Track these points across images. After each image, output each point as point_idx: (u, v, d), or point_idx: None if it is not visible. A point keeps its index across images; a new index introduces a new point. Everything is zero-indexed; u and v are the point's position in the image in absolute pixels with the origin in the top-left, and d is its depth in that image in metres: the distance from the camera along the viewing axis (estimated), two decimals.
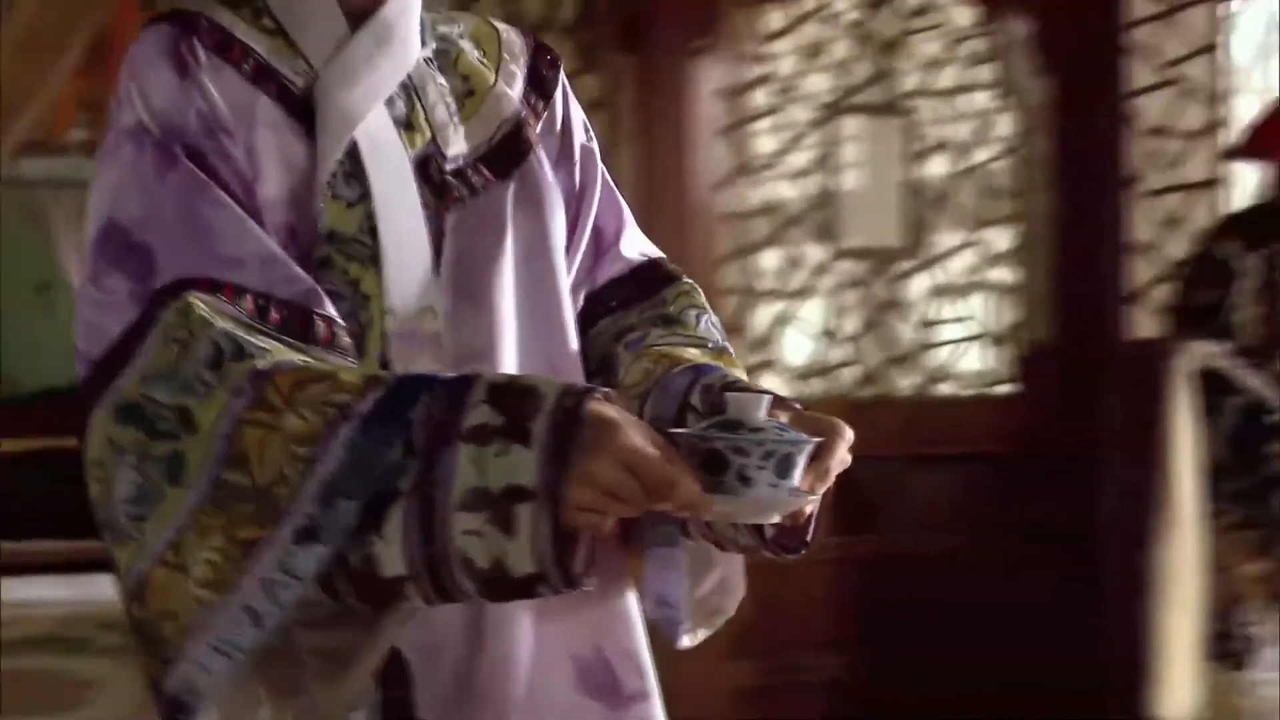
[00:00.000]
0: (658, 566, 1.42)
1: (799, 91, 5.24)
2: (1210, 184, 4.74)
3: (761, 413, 1.26)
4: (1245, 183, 4.42)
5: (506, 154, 1.53)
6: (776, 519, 1.30)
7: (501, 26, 1.59)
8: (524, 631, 1.42)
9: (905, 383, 5.18)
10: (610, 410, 1.24)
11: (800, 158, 5.25)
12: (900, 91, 5.35)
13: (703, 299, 1.58)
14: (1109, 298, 4.84)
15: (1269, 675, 4.08)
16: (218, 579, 1.29)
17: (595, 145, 1.61)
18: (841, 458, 1.31)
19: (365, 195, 1.45)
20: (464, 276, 1.47)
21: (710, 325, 1.55)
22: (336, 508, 1.25)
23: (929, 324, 5.22)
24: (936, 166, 5.46)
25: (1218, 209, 4.76)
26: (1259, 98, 4.78)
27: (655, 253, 1.63)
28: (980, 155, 5.40)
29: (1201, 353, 4.08)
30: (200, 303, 1.33)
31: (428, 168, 1.48)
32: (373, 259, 1.44)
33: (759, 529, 1.37)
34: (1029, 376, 5.11)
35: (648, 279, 1.60)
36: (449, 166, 1.50)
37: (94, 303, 1.39)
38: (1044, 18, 4.97)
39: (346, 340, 1.37)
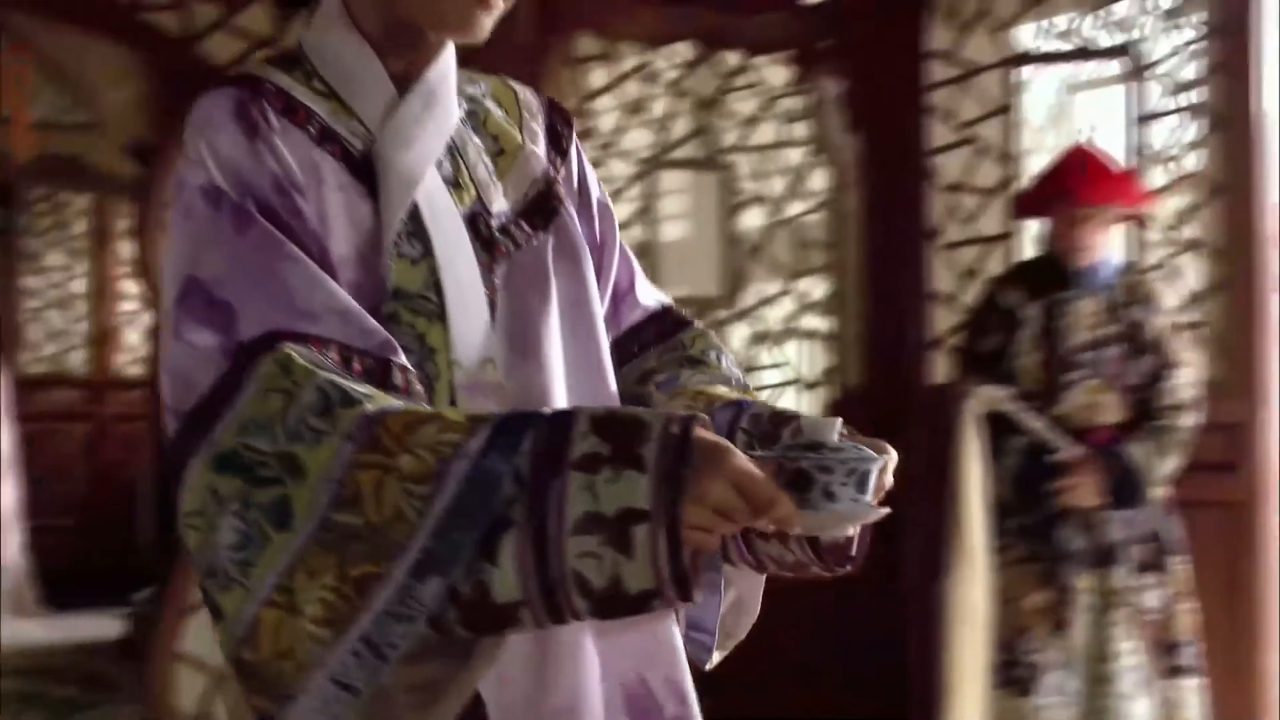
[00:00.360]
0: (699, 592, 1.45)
1: (620, 146, 5.33)
2: (1004, 237, 4.88)
3: (835, 435, 1.32)
4: (1037, 235, 4.54)
5: (541, 210, 1.58)
6: (851, 531, 1.37)
7: (517, 85, 1.65)
8: (584, 662, 1.46)
9: None
10: (714, 436, 1.29)
11: (621, 210, 5.26)
12: (718, 147, 5.48)
13: (717, 340, 1.66)
14: (912, 344, 4.96)
15: (1051, 700, 4.13)
16: (333, 616, 1.30)
17: (608, 199, 1.67)
18: (890, 477, 1.37)
19: (428, 253, 1.49)
20: (517, 328, 1.52)
21: (730, 364, 1.63)
22: (453, 540, 1.28)
23: (747, 370, 5.26)
24: (753, 219, 5.58)
25: (1011, 261, 4.88)
26: (1050, 156, 4.90)
27: (666, 299, 1.70)
28: (795, 208, 5.52)
29: (988, 396, 4.16)
30: (297, 354, 1.35)
31: (476, 225, 1.53)
32: (438, 314, 1.48)
33: (814, 547, 1.43)
34: (841, 420, 5.16)
35: (663, 324, 1.67)
36: (494, 223, 1.54)
37: (180, 357, 1.40)
38: (853, 78, 5.11)
39: (419, 389, 1.40)
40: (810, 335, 5.55)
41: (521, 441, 1.28)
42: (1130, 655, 4.15)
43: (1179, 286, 4.87)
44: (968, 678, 4.06)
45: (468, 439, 1.29)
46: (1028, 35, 5.12)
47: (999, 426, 4.19)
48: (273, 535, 1.32)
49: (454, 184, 1.53)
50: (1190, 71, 4.86)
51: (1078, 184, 4.25)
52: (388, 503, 1.28)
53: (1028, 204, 4.49)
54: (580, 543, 1.25)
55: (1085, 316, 4.23)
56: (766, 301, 5.53)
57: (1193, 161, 4.85)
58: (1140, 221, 4.81)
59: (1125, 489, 4.11)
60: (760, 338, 5.43)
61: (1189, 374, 4.23)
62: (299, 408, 1.33)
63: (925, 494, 4.34)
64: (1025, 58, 5.02)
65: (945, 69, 5.01)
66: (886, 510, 1.33)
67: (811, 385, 5.46)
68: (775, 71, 5.49)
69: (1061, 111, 5.27)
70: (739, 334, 5.44)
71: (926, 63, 5.02)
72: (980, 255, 4.99)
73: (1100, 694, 4.19)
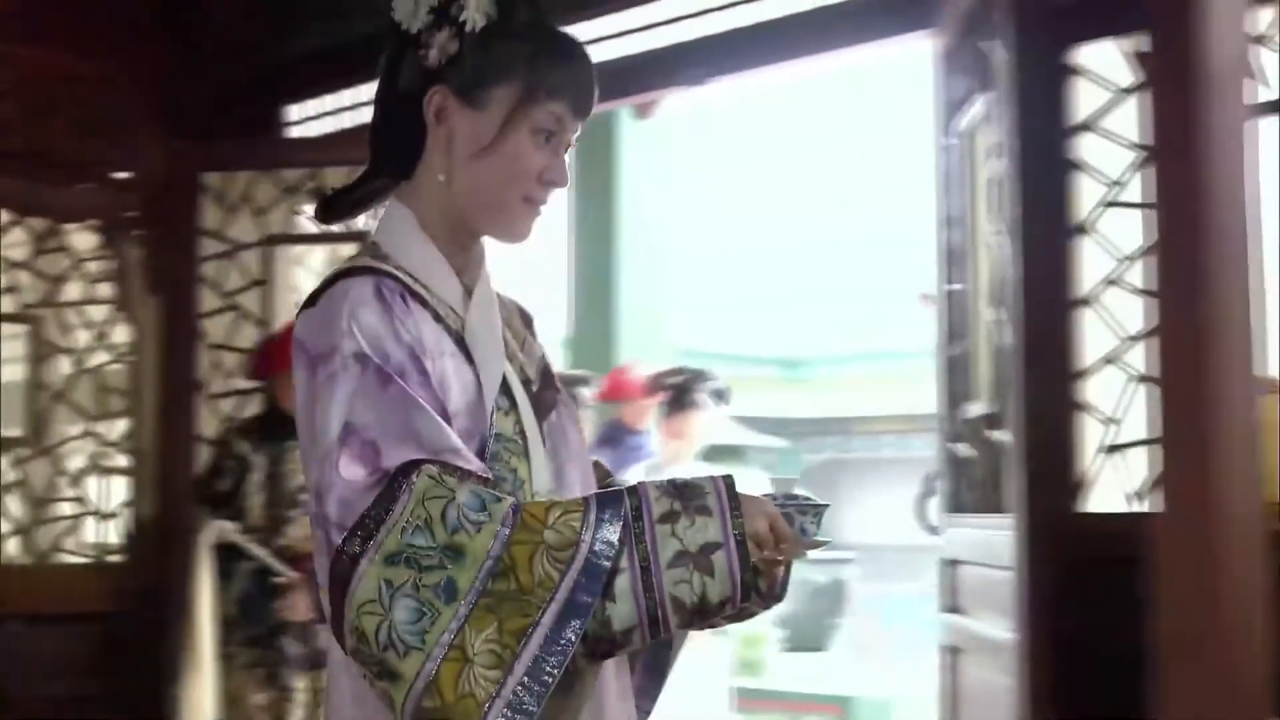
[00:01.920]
0: (649, 676, 1.96)
1: None
2: (260, 390, 5.24)
3: (797, 490, 1.82)
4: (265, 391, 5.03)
5: (551, 380, 1.96)
6: (810, 557, 1.82)
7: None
8: (614, 710, 1.84)
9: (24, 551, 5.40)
10: (745, 488, 1.73)
11: None
12: (27, 302, 5.63)
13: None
14: (183, 482, 5.22)
15: None
16: (499, 661, 1.61)
17: None
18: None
19: (514, 406, 1.85)
20: (559, 466, 1.90)
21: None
22: (586, 589, 1.63)
23: (49, 501, 5.43)
24: (60, 367, 5.73)
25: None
26: None
27: None
28: (98, 358, 5.68)
29: (219, 529, 4.73)
30: (441, 471, 1.67)
31: (527, 388, 1.90)
32: (524, 453, 1.84)
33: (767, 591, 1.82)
34: (136, 548, 5.32)
35: None
36: (534, 388, 1.91)
37: (340, 486, 1.68)
38: (150, 247, 5.51)
39: None
40: (109, 471, 5.71)
41: (620, 511, 1.68)
42: None
43: None
44: None
45: (586, 514, 1.67)
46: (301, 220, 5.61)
47: (229, 554, 4.73)
48: (442, 608, 1.62)
49: (509, 356, 1.90)
50: None
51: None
52: (538, 569, 1.64)
53: (256, 365, 5.07)
54: (674, 574, 1.67)
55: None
56: (66, 441, 5.70)
57: None
58: None
59: None
60: (61, 474, 5.57)
61: None
62: (457, 508, 1.65)
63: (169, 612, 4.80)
64: (277, 238, 5.57)
65: (214, 243, 5.52)
66: (831, 540, 1.83)
67: (107, 516, 5.61)
68: (83, 237, 5.70)
69: None
70: (41, 471, 5.55)
71: (200, 238, 5.52)
72: (239, 405, 5.45)
73: None
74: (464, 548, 1.64)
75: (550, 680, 1.62)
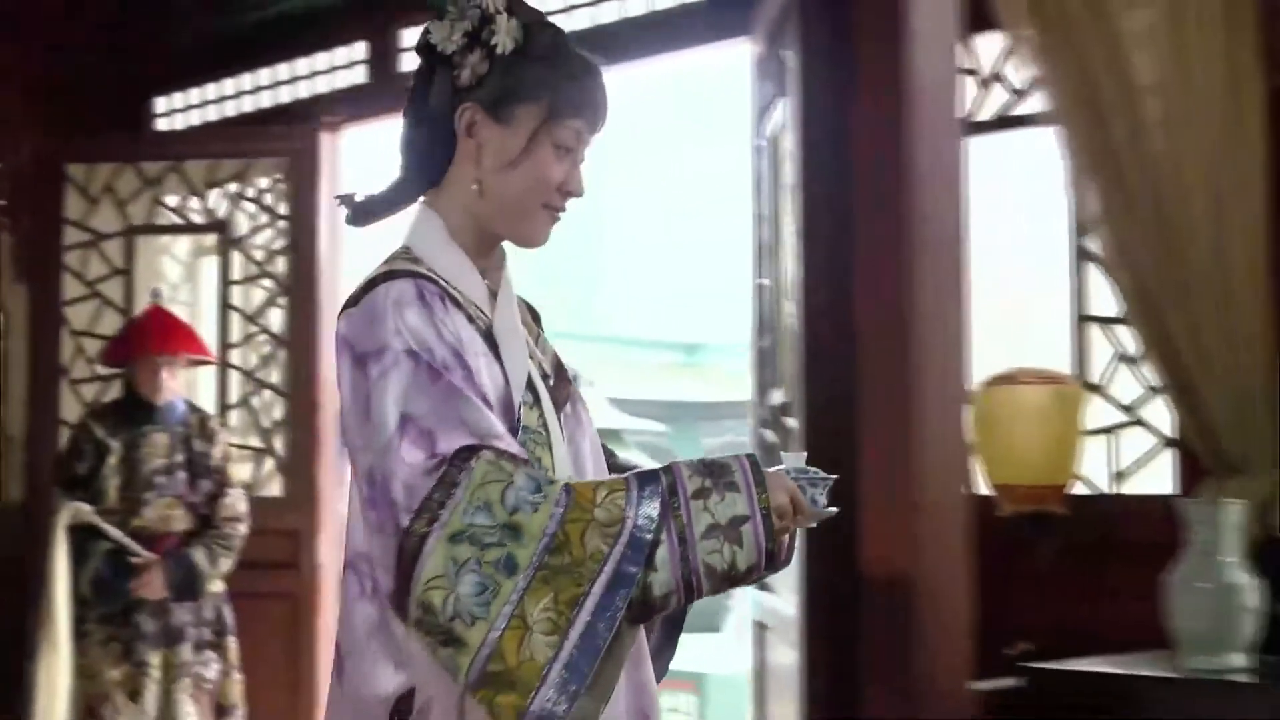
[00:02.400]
0: (666, 638, 2.11)
1: None
2: (120, 376, 5.21)
3: (804, 462, 1.93)
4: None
5: (564, 374, 2.10)
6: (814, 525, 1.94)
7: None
8: (624, 693, 1.95)
9: None
10: (764, 466, 1.86)
11: None
12: None
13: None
14: (45, 466, 5.43)
15: None
16: (556, 628, 1.75)
17: None
18: None
19: (537, 400, 1.98)
20: (576, 454, 2.05)
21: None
22: (631, 560, 1.77)
23: None
24: None
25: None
26: (182, 310, 5.58)
27: None
28: None
29: (75, 510, 4.76)
30: (498, 455, 1.81)
31: (545, 383, 2.03)
32: (548, 444, 1.98)
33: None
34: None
35: None
36: (550, 382, 2.05)
37: (403, 471, 1.81)
38: (21, 235, 5.73)
39: None
40: None
41: (659, 490, 1.82)
42: (191, 716, 4.84)
43: (260, 420, 5.67)
44: None
45: (629, 493, 1.81)
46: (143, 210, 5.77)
47: (85, 535, 4.77)
48: (503, 582, 1.76)
49: (529, 354, 2.03)
50: (266, 248, 5.68)
51: (151, 336, 4.96)
52: (589, 543, 1.78)
53: (113, 352, 5.12)
54: (707, 545, 1.81)
55: (160, 447, 4.91)
56: None
57: (271, 319, 5.64)
58: (225, 367, 5.61)
59: (188, 584, 4.80)
60: None
61: (240, 494, 5.00)
62: (515, 490, 1.79)
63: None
64: (137, 229, 5.74)
65: (78, 234, 5.68)
66: (838, 509, 1.95)
67: None
68: None
69: (192, 272, 5.95)
70: None
71: (64, 228, 5.67)
72: (101, 390, 5.60)
73: None
74: (522, 526, 1.78)
75: (602, 644, 1.76)
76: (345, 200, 2.06)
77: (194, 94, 6.10)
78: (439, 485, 1.80)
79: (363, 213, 2.08)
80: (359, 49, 5.55)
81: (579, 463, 2.05)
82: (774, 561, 1.86)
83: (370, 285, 1.93)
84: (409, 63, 5.41)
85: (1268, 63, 3.32)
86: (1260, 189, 3.30)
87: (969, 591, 2.47)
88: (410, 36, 5.41)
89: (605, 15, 4.75)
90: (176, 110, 6.15)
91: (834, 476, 1.95)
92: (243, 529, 4.97)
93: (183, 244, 5.98)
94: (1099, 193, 3.04)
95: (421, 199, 2.05)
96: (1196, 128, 3.18)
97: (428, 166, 2.03)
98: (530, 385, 1.99)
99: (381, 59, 5.47)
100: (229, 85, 6.00)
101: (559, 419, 2.03)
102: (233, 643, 5.00)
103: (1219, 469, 3.16)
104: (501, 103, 1.97)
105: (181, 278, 5.97)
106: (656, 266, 16.69)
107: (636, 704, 2.02)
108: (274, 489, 5.63)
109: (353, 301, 1.95)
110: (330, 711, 2.04)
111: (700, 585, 1.82)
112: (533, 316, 2.14)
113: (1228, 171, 3.25)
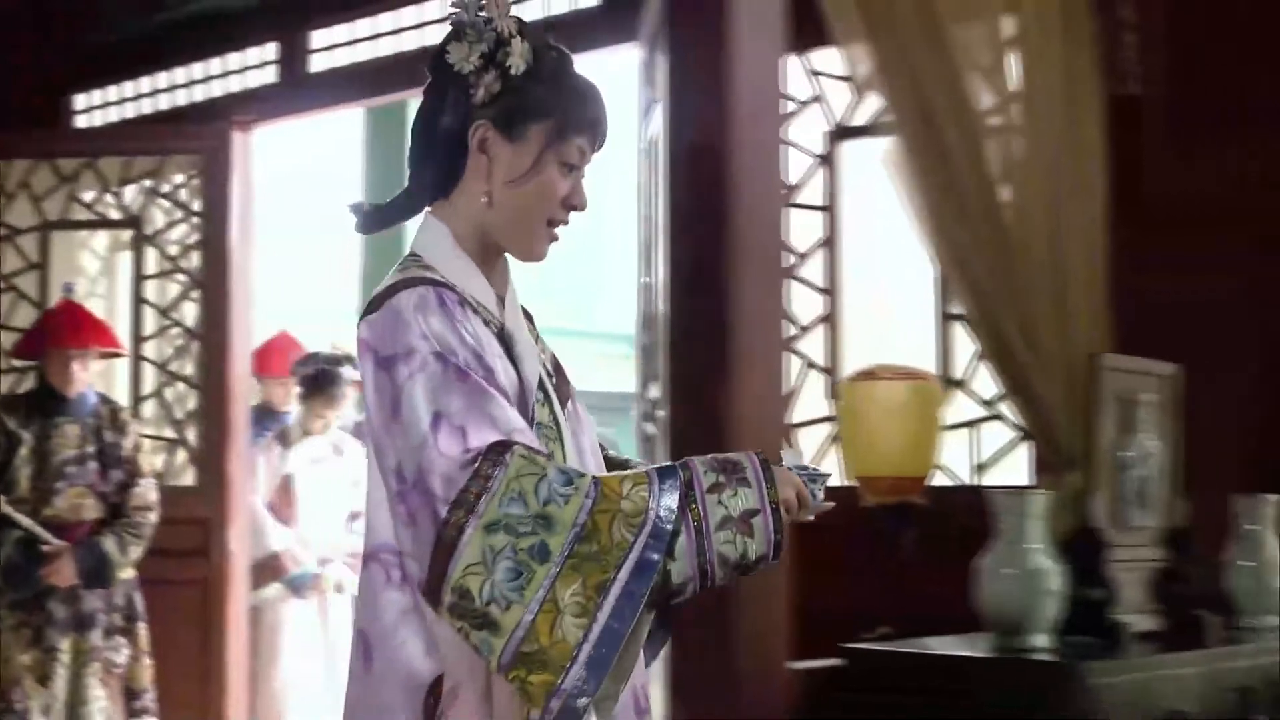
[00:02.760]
0: (661, 626, 2.15)
1: None
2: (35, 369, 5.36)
3: (801, 461, 2.07)
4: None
5: (562, 372, 2.21)
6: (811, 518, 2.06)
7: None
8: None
9: None
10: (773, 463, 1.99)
11: None
12: None
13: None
14: None
15: None
16: (585, 610, 1.86)
17: None
18: None
19: (547, 398, 2.11)
20: (578, 447, 2.15)
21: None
22: (654, 549, 1.88)
23: None
24: None
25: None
26: (97, 304, 5.83)
27: None
28: None
29: None
30: (530, 450, 1.92)
31: (550, 381, 2.15)
32: (559, 439, 2.10)
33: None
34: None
35: None
36: (554, 381, 2.16)
37: (441, 465, 1.90)
38: None
39: None
40: None
41: (677, 484, 1.93)
42: (100, 700, 5.00)
43: (173, 411, 5.86)
44: None
45: (651, 486, 1.92)
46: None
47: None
48: (536, 568, 1.87)
49: (530, 346, 2.13)
50: (180, 243, 5.87)
51: (63, 330, 5.11)
52: (616, 533, 1.89)
53: (25, 345, 5.33)
54: (722, 536, 1.92)
55: (71, 438, 5.04)
56: None
57: (184, 313, 5.84)
58: (139, 360, 5.79)
59: (99, 572, 4.94)
60: None
61: (151, 483, 5.14)
62: (548, 483, 1.90)
63: None
64: (52, 224, 5.92)
65: None
66: (834, 504, 2.08)
67: None
68: None
69: (109, 267, 6.14)
70: None
71: None
72: (17, 382, 5.74)
73: None
74: (554, 516, 1.89)
75: (627, 626, 1.87)
76: (354, 209, 2.16)
77: (111, 91, 6.27)
78: (474, 478, 1.90)
79: (373, 221, 2.18)
80: (270, 49, 5.70)
81: (582, 458, 2.16)
82: (779, 552, 1.97)
83: (391, 291, 2.02)
84: (319, 63, 5.59)
85: (1105, 73, 3.50)
86: (1099, 195, 3.47)
87: (790, 572, 2.62)
88: (319, 38, 5.57)
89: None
90: (95, 107, 6.32)
91: (829, 473, 2.10)
92: (153, 518, 5.10)
93: (99, 239, 6.16)
94: (930, 200, 3.19)
95: (428, 209, 2.15)
96: (1035, 136, 3.34)
97: (439, 179, 2.12)
98: (540, 383, 2.10)
99: (291, 60, 5.63)
100: (145, 84, 6.17)
101: (562, 415, 2.14)
102: (143, 628, 5.14)
103: (1056, 463, 3.31)
104: (513, 121, 2.06)
105: (99, 272, 6.15)
106: (584, 257, 16.77)
107: (632, 680, 2.10)
108: (187, 479, 5.81)
109: (374, 307, 2.04)
110: (357, 698, 2.11)
111: (714, 573, 1.94)
112: (529, 318, 2.22)
113: (1066, 178, 3.41)
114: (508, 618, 1.86)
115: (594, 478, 1.94)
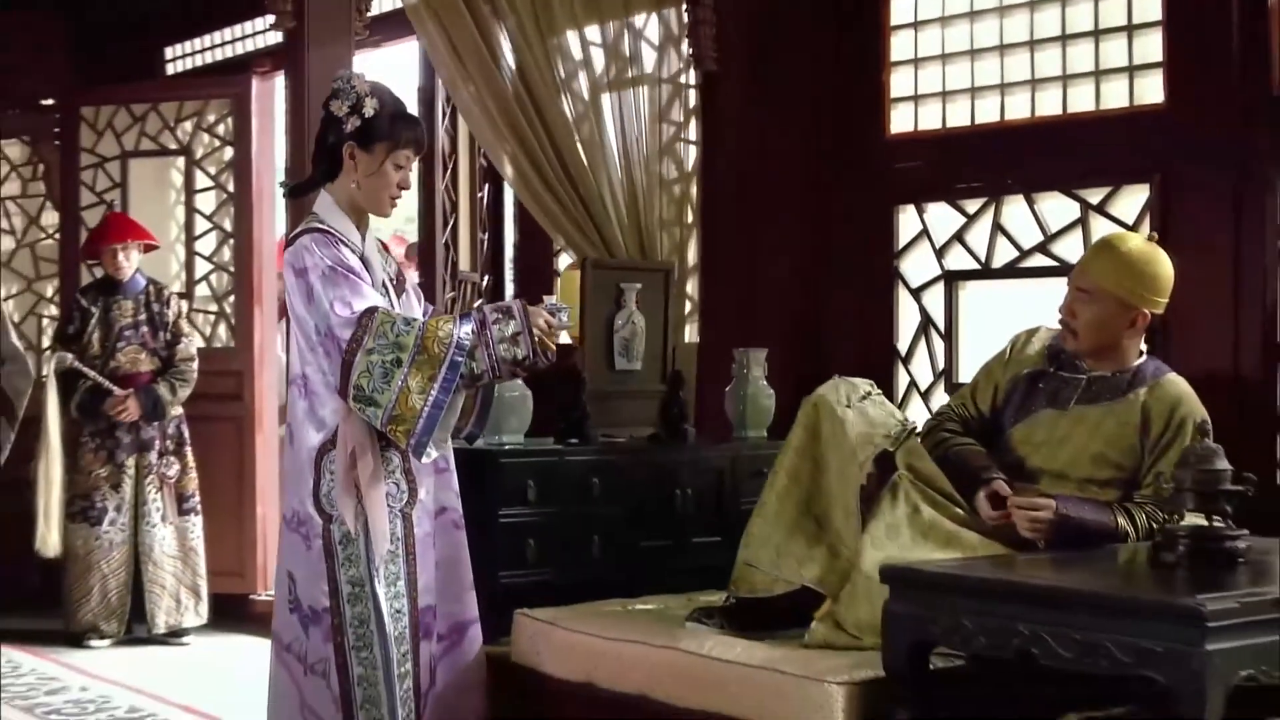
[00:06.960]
0: (481, 406, 3.48)
1: None
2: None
3: (555, 301, 3.35)
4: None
5: (401, 276, 3.49)
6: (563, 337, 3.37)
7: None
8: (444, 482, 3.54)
9: None
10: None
11: None
12: None
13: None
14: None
15: (110, 529, 6.30)
16: (424, 390, 3.13)
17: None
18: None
19: (387, 293, 3.36)
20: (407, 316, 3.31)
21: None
22: (459, 354, 3.15)
23: None
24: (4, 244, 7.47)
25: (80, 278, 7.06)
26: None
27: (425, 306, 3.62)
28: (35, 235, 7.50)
29: (60, 358, 6.26)
30: (387, 311, 3.21)
31: (391, 283, 3.41)
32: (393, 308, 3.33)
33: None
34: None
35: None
36: (394, 282, 3.42)
37: (339, 323, 3.15)
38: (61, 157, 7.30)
39: None
40: (41, 317, 7.45)
41: (473, 319, 3.19)
42: (156, 502, 6.42)
43: (215, 290, 7.27)
44: (53, 514, 5.86)
45: (455, 322, 3.18)
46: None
47: (70, 377, 6.31)
48: (395, 371, 3.13)
49: (380, 264, 3.40)
50: (217, 164, 7.24)
51: (106, 232, 6.57)
52: (439, 347, 3.14)
53: (85, 249, 6.84)
54: (503, 347, 3.20)
55: (128, 310, 6.46)
56: (10, 297, 7.48)
57: (221, 217, 7.21)
58: (190, 254, 7.21)
59: (155, 409, 6.33)
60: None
61: (191, 341, 6.54)
62: (397, 325, 3.16)
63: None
64: (128, 153, 7.39)
65: (89, 158, 7.41)
66: (573, 324, 3.65)
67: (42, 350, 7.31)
68: (16, 149, 7.63)
69: (167, 184, 7.40)
70: None
71: (79, 154, 7.31)
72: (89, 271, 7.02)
73: (141, 526, 6.44)
74: (403, 342, 3.13)
75: (447, 397, 3.14)
76: (284, 184, 3.63)
77: (193, 44, 7.86)
78: (358, 327, 3.15)
79: (295, 192, 3.61)
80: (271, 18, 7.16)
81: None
82: (538, 355, 3.16)
83: (301, 234, 3.29)
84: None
85: (696, 53, 4.76)
86: (691, 164, 4.67)
87: None
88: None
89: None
90: (178, 57, 7.92)
91: (569, 306, 3.35)
92: (194, 366, 6.49)
93: (161, 164, 7.53)
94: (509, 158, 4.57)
95: (323, 188, 3.42)
96: (627, 107, 4.63)
97: (328, 172, 3.39)
98: (384, 286, 3.38)
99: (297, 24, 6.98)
100: (217, 36, 7.69)
101: (399, 301, 3.44)
102: (189, 451, 6.54)
103: None
104: (368, 142, 3.34)
105: (161, 187, 7.54)
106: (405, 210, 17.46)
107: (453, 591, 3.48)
108: (229, 341, 7.24)
109: (291, 243, 3.31)
110: (288, 464, 3.36)
111: (500, 369, 3.20)
112: (383, 247, 3.51)
113: (655, 146, 4.60)
114: (383, 399, 3.12)
115: (423, 320, 3.19)
